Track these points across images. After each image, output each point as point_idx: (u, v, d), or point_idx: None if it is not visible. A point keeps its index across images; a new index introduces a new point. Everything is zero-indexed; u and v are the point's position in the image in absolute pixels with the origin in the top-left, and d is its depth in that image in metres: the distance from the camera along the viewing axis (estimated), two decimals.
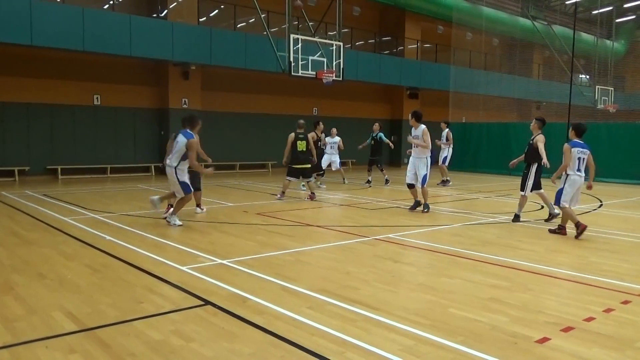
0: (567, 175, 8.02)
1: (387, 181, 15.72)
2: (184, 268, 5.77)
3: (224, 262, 6.09)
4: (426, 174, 10.03)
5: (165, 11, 18.10)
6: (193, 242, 7.15)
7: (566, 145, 8.07)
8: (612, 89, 31.43)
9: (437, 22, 26.53)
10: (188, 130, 8.33)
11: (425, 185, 10.02)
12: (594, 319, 4.37)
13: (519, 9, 30.95)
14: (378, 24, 25.75)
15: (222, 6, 19.85)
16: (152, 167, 18.58)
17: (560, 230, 8.18)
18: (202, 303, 4.62)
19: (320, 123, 14.56)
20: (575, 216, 7.98)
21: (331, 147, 15.41)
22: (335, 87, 20.01)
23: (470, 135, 22.44)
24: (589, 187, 8.21)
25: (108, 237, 7.38)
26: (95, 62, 17.15)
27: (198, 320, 4.22)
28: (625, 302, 4.82)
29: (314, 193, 12.02)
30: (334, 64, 17.44)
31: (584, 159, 8.05)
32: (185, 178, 8.35)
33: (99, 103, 17.61)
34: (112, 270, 5.75)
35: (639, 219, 10.16)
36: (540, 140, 9.23)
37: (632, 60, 36.93)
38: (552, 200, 8.84)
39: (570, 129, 8.32)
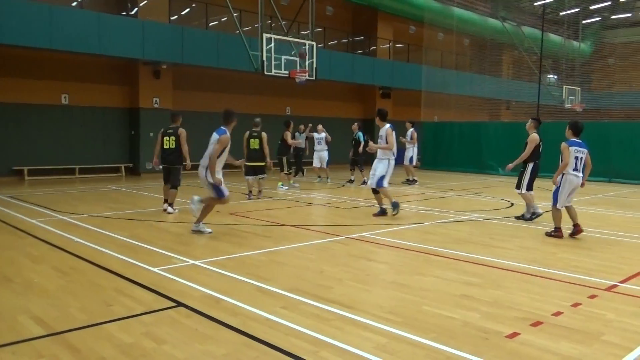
0: (564, 174, 7.91)
1: (364, 182, 15.79)
2: (155, 269, 5.69)
3: (197, 262, 6.02)
4: (383, 175, 9.51)
5: (136, 9, 17.83)
6: (165, 243, 7.05)
7: (564, 144, 7.93)
8: (579, 88, 32.18)
9: (409, 22, 26.75)
10: (222, 127, 7.75)
11: (384, 186, 9.54)
12: (562, 313, 4.47)
13: (489, 9, 31.44)
14: (351, 23, 25.84)
15: (193, 5, 19.66)
16: (123, 167, 18.27)
17: (557, 233, 7.94)
18: (175, 305, 4.57)
19: (291, 122, 14.57)
20: (560, 219, 8.00)
21: (318, 142, 15.72)
22: (308, 87, 20.00)
23: (442, 134, 22.71)
24: (582, 185, 8.16)
25: (77, 239, 7.23)
26: (63, 61, 16.77)
27: (170, 322, 4.17)
28: (592, 297, 4.94)
29: (260, 192, 12.13)
30: (307, 63, 17.44)
31: (581, 158, 7.95)
32: (218, 180, 7.49)
33: (67, 102, 17.23)
34: (81, 273, 5.63)
35: (605, 216, 10.42)
36: (530, 140, 9.33)
37: (598, 61, 37.90)
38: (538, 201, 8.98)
39: (567, 127, 8.21)
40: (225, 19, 19.33)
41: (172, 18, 18.65)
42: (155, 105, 18.32)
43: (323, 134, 16.06)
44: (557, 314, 4.46)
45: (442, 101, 25.92)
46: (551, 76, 34.74)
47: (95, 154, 17.87)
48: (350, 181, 15.83)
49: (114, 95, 18.20)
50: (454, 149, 22.05)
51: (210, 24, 19.83)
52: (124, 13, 18.07)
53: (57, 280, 5.30)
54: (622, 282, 5.47)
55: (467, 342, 3.82)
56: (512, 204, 11.64)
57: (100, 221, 8.76)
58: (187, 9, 19.96)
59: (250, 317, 4.27)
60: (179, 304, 4.58)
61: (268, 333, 3.93)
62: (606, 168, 17.37)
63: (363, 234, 7.87)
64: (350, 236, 7.69)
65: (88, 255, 6.35)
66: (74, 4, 17.77)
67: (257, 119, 12.34)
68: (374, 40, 25.56)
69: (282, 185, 14.08)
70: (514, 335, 3.97)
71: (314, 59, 17.53)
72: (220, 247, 6.95)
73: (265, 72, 16.39)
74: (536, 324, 4.21)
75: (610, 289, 5.24)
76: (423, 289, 5.16)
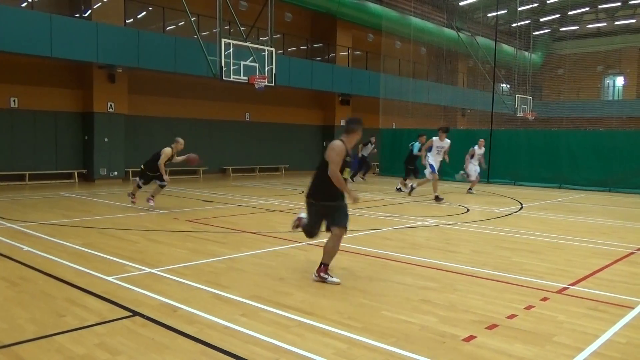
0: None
1: (411, 188, 15.88)
2: (110, 278, 5.53)
3: (154, 271, 5.89)
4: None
5: (89, 11, 17.38)
6: (120, 251, 6.87)
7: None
8: (531, 97, 33.31)
9: (367, 31, 27.09)
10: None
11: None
12: (516, 316, 4.59)
13: (445, 19, 32.22)
14: (310, 30, 25.97)
15: (150, 8, 19.33)
16: (75, 173, 17.73)
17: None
18: (130, 314, 4.45)
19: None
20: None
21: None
22: (268, 93, 19.96)
23: (400, 141, 23.01)
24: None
25: (26, 248, 6.95)
26: (12, 63, 16.16)
27: (125, 332, 4.06)
28: (544, 299, 5.10)
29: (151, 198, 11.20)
30: (266, 69, 17.41)
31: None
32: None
33: (16, 106, 16.60)
34: (31, 283, 5.42)
35: (556, 221, 10.79)
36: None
37: (548, 71, 39.39)
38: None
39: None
40: (183, 23, 19.09)
41: (127, 21, 18.27)
42: (110, 110, 17.87)
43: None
44: (511, 316, 4.57)
45: (400, 108, 26.32)
46: (504, 85, 35.84)
47: (46, 160, 17.27)
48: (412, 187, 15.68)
49: (66, 99, 17.65)
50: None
51: (167, 28, 19.55)
52: (77, 15, 17.59)
53: (5, 291, 5.08)
54: (572, 284, 5.67)
55: (425, 346, 3.87)
56: (468, 210, 11.90)
57: (51, 229, 8.46)
58: (144, 12, 19.60)
59: (208, 325, 4.21)
60: (135, 313, 4.46)
61: (226, 341, 3.87)
62: (556, 175, 18.00)
63: (322, 240, 7.86)
64: (309, 242, 7.69)
65: (38, 264, 6.12)
66: (24, 4, 17.18)
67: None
68: (333, 48, 25.76)
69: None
70: (470, 338, 4.05)
71: (274, 65, 17.52)
72: (178, 254, 6.83)
73: (224, 78, 16.25)
74: (491, 326, 4.31)
75: (561, 291, 5.42)
76: (381, 294, 5.20)
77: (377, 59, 26.43)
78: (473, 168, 15.61)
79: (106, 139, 17.73)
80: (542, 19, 37.27)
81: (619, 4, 34.47)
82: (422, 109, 28.69)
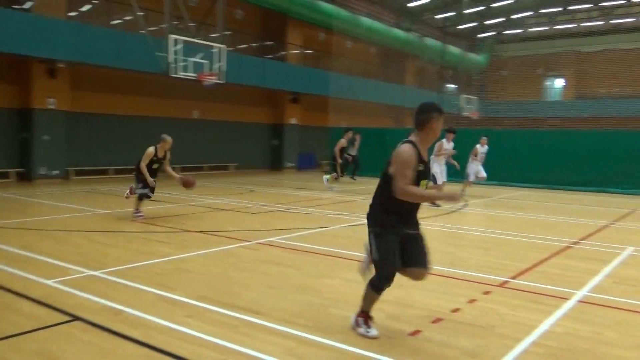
0: None
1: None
2: (49, 282, 5.31)
3: (96, 273, 5.70)
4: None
5: (31, 3, 16.62)
6: (61, 254, 6.61)
7: None
8: (476, 97, 34.33)
9: (318, 29, 27.18)
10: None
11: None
12: (460, 309, 4.72)
13: (395, 20, 32.72)
14: (261, 28, 25.80)
15: (95, 1, 18.69)
16: (12, 172, 16.92)
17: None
18: (70, 319, 4.29)
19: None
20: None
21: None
22: (217, 90, 19.70)
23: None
24: None
25: None
26: None
27: (65, 337, 3.91)
28: (487, 293, 5.26)
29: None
30: (216, 66, 17.17)
31: None
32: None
33: None
34: None
35: (499, 217, 11.16)
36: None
37: (492, 73, 40.72)
38: None
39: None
40: (130, 17, 18.56)
41: (70, 14, 17.59)
42: (51, 107, 17.15)
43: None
44: (456, 310, 4.70)
45: (350, 107, 26.57)
46: (451, 85, 36.78)
47: None
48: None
49: (1, 95, 16.82)
50: (361, 154, 22.60)
51: (113, 22, 18.96)
52: (15, 6, 16.79)
53: None
54: (513, 278, 5.88)
55: (372, 342, 3.92)
56: None
57: None
58: (88, 6, 18.94)
59: (154, 328, 4.11)
60: (75, 317, 4.31)
61: (172, 344, 3.80)
62: (499, 173, 18.58)
63: (272, 239, 7.85)
64: (258, 241, 7.65)
65: None
66: None
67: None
68: (284, 46, 25.69)
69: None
70: (416, 332, 4.13)
71: (223, 63, 17.30)
72: (122, 256, 6.64)
73: (172, 74, 15.92)
74: (436, 320, 4.41)
75: (502, 284, 5.60)
76: (330, 291, 5.23)
77: (328, 58, 26.56)
78: (475, 168, 14.51)
79: (46, 137, 17.02)
80: (487, 22, 38.45)
81: (559, 9, 35.97)
82: (372, 107, 29.07)
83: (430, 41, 33.98)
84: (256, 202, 12.60)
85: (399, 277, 5.86)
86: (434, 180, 12.26)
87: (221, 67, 17.24)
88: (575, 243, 8.11)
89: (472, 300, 4.99)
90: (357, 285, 5.41)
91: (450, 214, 11.22)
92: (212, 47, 17.19)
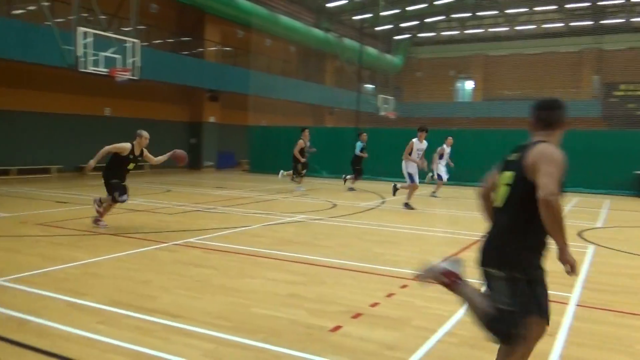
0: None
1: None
2: None
3: None
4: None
5: None
6: None
7: None
8: (393, 98, 35.36)
9: (236, 26, 26.85)
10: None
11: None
12: (379, 303, 4.84)
13: (314, 20, 33.00)
14: (177, 23, 25.09)
15: None
16: None
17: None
18: None
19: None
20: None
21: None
22: (131, 87, 18.93)
23: (269, 138, 23.16)
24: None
25: None
26: None
27: None
28: (404, 287, 5.44)
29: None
30: (130, 61, 16.49)
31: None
32: None
33: None
34: None
35: (412, 213, 11.56)
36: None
37: (408, 74, 42.13)
38: None
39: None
40: (34, 8, 17.38)
41: None
42: None
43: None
44: (374, 304, 4.81)
45: (269, 106, 26.47)
46: (369, 86, 37.65)
47: None
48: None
49: None
50: (281, 153, 22.64)
51: (15, 12, 17.67)
52: None
53: None
54: None
55: (293, 340, 3.93)
56: (335, 205, 12.31)
57: None
58: None
59: (63, 336, 3.88)
60: None
61: (83, 352, 3.60)
62: (455, 172, 19.17)
63: (190, 240, 7.66)
64: (176, 243, 7.44)
65: None
66: None
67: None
68: (201, 42, 25.14)
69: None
70: (336, 328, 4.19)
71: (137, 58, 16.65)
72: (26, 262, 6.20)
73: (81, 69, 15.10)
74: (356, 315, 4.50)
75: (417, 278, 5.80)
76: (251, 291, 5.18)
77: (247, 56, 26.31)
78: (443, 169, 14.73)
79: None
80: (402, 25, 39.74)
81: (469, 14, 37.83)
82: (292, 106, 29.13)
83: (348, 41, 34.59)
84: (173, 202, 12.25)
85: (322, 275, 5.95)
86: (411, 179, 11.96)
87: (135, 62, 16.59)
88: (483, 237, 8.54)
89: (390, 294, 5.13)
90: (279, 284, 5.41)
91: (369, 211, 11.48)
92: (125, 41, 16.49)
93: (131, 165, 8.46)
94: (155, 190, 14.86)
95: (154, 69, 19.33)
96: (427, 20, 39.44)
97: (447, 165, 14.99)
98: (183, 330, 4.07)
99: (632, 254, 7.63)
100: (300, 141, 15.75)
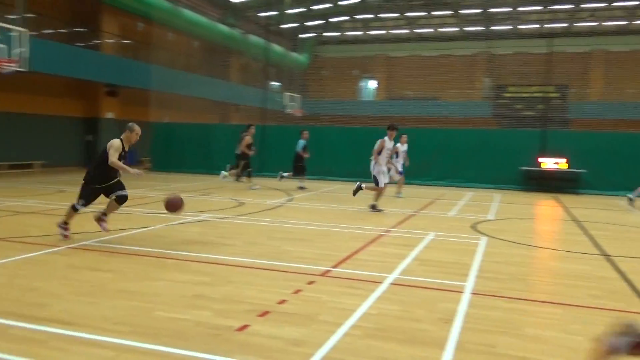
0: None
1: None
2: None
3: None
4: None
5: None
6: None
7: None
8: (299, 95, 35.62)
9: (137, 19, 25.72)
10: None
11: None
12: (286, 301, 4.86)
13: (218, 15, 32.41)
14: (70, 13, 23.55)
15: None
16: None
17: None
18: None
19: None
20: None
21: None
22: (19, 79, 17.55)
23: (173, 135, 22.47)
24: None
25: None
26: None
27: None
28: (311, 283, 5.50)
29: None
30: (16, 52, 15.25)
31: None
32: None
33: None
34: None
35: (320, 210, 11.73)
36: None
37: (314, 72, 42.64)
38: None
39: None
40: None
41: None
42: None
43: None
44: (282, 302, 4.82)
45: (172, 102, 25.66)
46: (275, 83, 37.65)
47: None
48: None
49: None
50: (186, 151, 22.05)
51: None
52: None
53: None
54: (334, 267, 6.22)
55: (199, 342, 3.83)
56: (242, 203, 12.19)
57: None
58: None
59: None
60: None
61: None
62: (320, 167, 19.54)
63: (86, 242, 7.24)
64: (70, 246, 6.99)
65: None
66: None
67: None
68: (98, 34, 23.79)
69: None
70: (243, 327, 4.15)
71: (26, 48, 15.43)
72: None
73: None
74: (263, 313, 4.48)
75: (325, 274, 5.90)
76: (154, 294, 5.00)
77: (148, 49, 25.30)
78: (398, 168, 14.68)
79: None
80: (308, 23, 40.13)
81: (372, 15, 38.96)
82: (197, 103, 28.46)
83: (254, 38, 34.35)
84: (67, 203, 11.48)
85: (228, 274, 5.85)
86: (376, 181, 11.47)
87: (22, 53, 15.37)
88: (387, 231, 8.87)
89: (297, 291, 5.17)
90: (184, 286, 5.26)
91: (276, 209, 11.49)
92: (10, 30, 15.23)
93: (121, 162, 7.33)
94: (46, 190, 13.87)
95: (44, 61, 18.04)
96: (332, 19, 40.13)
97: (403, 164, 15.24)
98: (79, 338, 3.83)
99: (519, 243, 8.26)
100: (248, 137, 15.55)
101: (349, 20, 41.26)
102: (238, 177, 16.21)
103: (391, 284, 5.58)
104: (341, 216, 10.71)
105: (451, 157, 18.90)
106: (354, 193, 11.95)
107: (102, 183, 7.34)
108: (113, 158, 7.10)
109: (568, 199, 15.73)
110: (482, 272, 6.24)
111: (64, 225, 7.45)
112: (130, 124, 7.52)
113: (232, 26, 32.72)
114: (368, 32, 42.53)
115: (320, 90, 41.90)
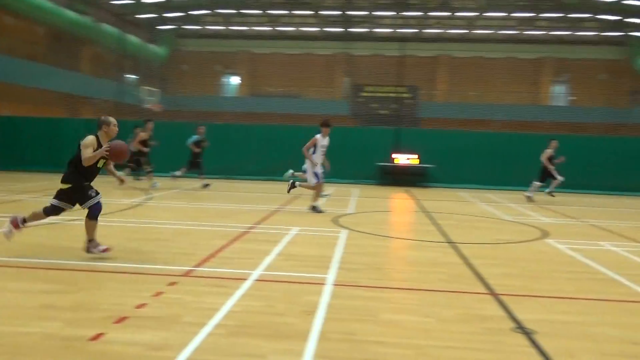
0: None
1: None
2: None
3: None
4: None
5: None
6: None
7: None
8: (158, 90, 34.17)
9: None
10: None
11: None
12: (146, 304, 4.64)
13: (67, 0, 29.87)
14: None
15: None
16: None
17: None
18: None
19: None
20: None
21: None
22: None
23: (16, 130, 20.30)
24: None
25: None
26: None
27: None
28: (172, 284, 5.31)
29: None
30: None
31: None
32: None
33: None
34: None
35: (182, 208, 11.39)
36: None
37: (174, 66, 41.17)
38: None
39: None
40: None
41: None
42: None
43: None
44: (141, 306, 4.60)
45: (13, 93, 23.18)
46: (131, 76, 35.71)
47: None
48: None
49: None
50: (30, 147, 20.06)
51: None
52: None
53: None
54: (196, 266, 6.08)
55: (47, 355, 3.53)
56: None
57: None
58: None
59: None
60: None
61: None
62: (180, 165, 18.94)
63: None
64: None
65: None
66: None
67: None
68: None
69: None
70: (98, 336, 3.89)
71: None
72: None
73: None
74: (120, 320, 4.24)
75: (187, 274, 5.74)
76: None
77: None
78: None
79: None
80: (166, 15, 38.56)
81: (233, 11, 38.55)
82: (42, 95, 26.04)
83: (107, 27, 32.21)
84: None
85: (81, 280, 5.41)
86: (316, 178, 11.14)
87: None
88: (251, 228, 8.88)
89: (157, 293, 4.96)
90: (30, 296, 4.79)
91: (134, 208, 10.92)
92: None
93: (101, 163, 6.40)
94: None
95: None
96: (192, 12, 39.01)
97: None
98: None
99: (376, 235, 8.76)
100: (142, 133, 14.58)
101: (210, 14, 40.43)
102: (135, 175, 15.50)
103: (255, 280, 5.60)
104: (203, 214, 10.50)
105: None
106: (288, 191, 11.82)
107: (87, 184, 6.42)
108: (88, 155, 6.17)
109: (419, 192, 17.01)
110: (343, 263, 6.51)
111: (91, 243, 6.42)
112: (104, 117, 6.53)
113: (82, 13, 30.33)
114: (230, 28, 42.06)
115: (181, 85, 40.57)
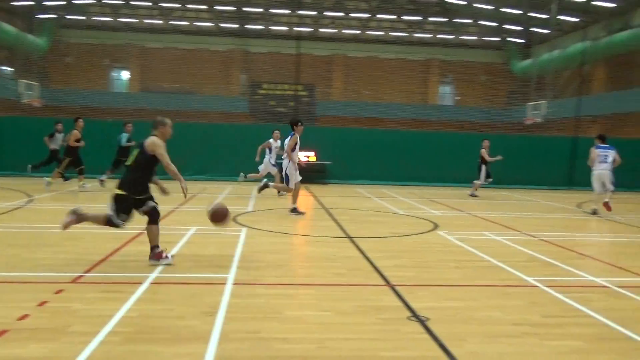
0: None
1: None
2: None
3: None
4: None
5: None
6: None
7: None
8: (38, 83, 31.65)
9: None
10: None
11: None
12: (29, 315, 4.28)
13: None
14: None
15: None
16: None
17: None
18: None
19: None
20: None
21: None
22: None
23: None
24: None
25: None
26: None
27: None
28: (59, 292, 4.94)
29: None
30: None
31: None
32: None
33: None
34: None
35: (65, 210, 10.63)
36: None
37: (56, 58, 38.26)
38: None
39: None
40: None
41: None
42: None
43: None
44: (23, 317, 4.23)
45: None
46: (6, 68, 32.78)
47: None
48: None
49: None
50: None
51: None
52: None
53: None
54: (86, 272, 5.71)
55: None
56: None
57: None
58: None
59: None
60: None
61: None
62: (101, 164, 17.64)
63: None
64: None
65: None
66: None
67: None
68: None
69: None
70: None
71: None
72: None
73: None
74: (0, 334, 3.87)
75: (76, 280, 5.37)
76: None
77: None
78: (270, 165, 14.73)
79: None
80: (47, 3, 35.77)
81: (122, 2, 36.63)
82: None
83: None
84: None
85: None
86: (287, 180, 10.90)
87: None
88: (145, 229, 8.48)
89: (42, 303, 4.59)
90: None
91: (12, 212, 10.03)
92: None
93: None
94: None
95: None
96: (75, 1, 36.52)
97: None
98: None
99: (276, 232, 8.77)
100: (75, 131, 13.49)
101: (95, 4, 38.09)
102: (63, 175, 14.36)
103: (152, 283, 5.37)
104: None
105: (210, 152, 19.10)
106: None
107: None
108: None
109: (317, 189, 17.28)
110: (243, 262, 6.44)
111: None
112: (161, 118, 6.40)
113: None
114: (119, 20, 39.91)
115: (64, 79, 37.83)
